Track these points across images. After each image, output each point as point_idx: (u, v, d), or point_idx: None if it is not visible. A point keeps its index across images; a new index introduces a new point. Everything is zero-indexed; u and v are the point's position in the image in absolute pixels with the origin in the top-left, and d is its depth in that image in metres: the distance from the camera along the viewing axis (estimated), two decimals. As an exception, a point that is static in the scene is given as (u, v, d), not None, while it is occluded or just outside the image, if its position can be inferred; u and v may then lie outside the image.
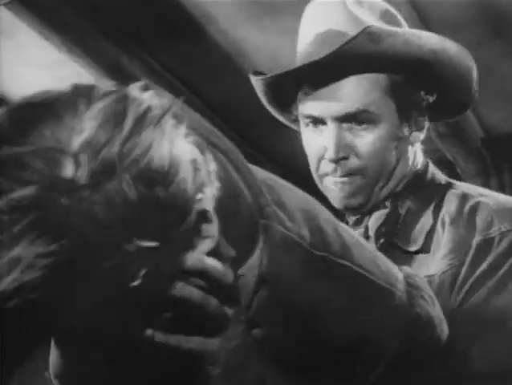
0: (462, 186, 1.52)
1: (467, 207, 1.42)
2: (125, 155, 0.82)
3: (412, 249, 1.43)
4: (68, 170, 0.81)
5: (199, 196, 0.87)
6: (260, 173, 1.04)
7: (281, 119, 1.62)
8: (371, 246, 1.12)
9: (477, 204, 1.42)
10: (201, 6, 3.29)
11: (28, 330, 0.84)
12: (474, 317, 1.32)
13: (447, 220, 1.42)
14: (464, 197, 1.45)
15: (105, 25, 3.32)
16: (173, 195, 0.83)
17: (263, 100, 1.58)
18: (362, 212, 1.50)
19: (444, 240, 1.40)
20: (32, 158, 0.81)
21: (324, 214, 1.09)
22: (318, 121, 1.47)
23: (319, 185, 1.52)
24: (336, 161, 1.45)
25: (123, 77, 3.47)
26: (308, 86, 1.46)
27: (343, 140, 1.44)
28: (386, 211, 1.48)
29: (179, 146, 0.86)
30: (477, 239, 1.38)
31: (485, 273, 1.35)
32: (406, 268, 1.20)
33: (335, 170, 1.46)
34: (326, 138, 1.46)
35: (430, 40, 1.45)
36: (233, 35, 3.49)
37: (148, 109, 0.86)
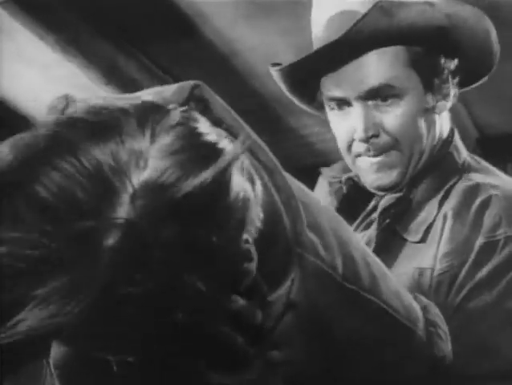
0: (477, 173, 1.48)
1: (477, 202, 1.39)
2: (189, 199, 0.76)
3: (411, 239, 1.41)
4: (123, 210, 0.75)
5: (245, 236, 0.83)
6: (294, 187, 1.00)
7: (306, 108, 1.61)
8: (394, 277, 1.12)
9: (489, 198, 1.38)
10: (196, 6, 3.29)
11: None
12: (473, 323, 1.30)
13: (449, 215, 1.39)
14: (476, 189, 1.41)
15: (100, 24, 3.32)
16: (225, 238, 0.80)
17: (286, 91, 1.57)
18: (394, 191, 1.48)
19: (446, 237, 1.37)
20: (84, 177, 0.74)
21: (353, 238, 1.08)
22: (342, 102, 1.46)
23: (351, 166, 1.51)
24: (366, 140, 1.44)
25: (118, 76, 3.47)
26: (328, 69, 1.45)
27: (370, 118, 1.43)
28: (399, 195, 1.47)
29: (235, 183, 0.81)
30: (480, 241, 1.35)
31: (485, 280, 1.32)
32: (422, 298, 1.18)
33: (368, 149, 1.45)
34: (353, 119, 1.44)
35: (442, 6, 1.43)
36: (229, 35, 3.49)
37: (220, 153, 0.80)
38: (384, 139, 1.44)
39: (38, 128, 0.80)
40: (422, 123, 1.46)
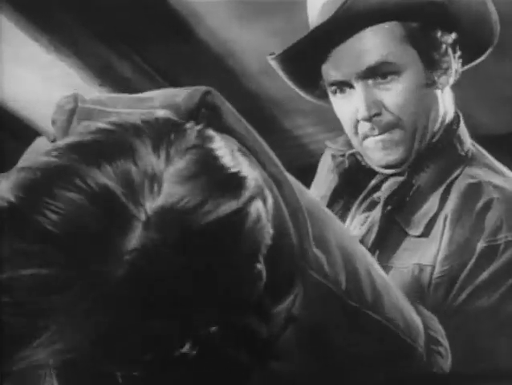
0: (480, 169, 1.47)
1: (479, 205, 1.38)
2: (206, 225, 0.74)
3: (412, 232, 1.41)
4: (135, 237, 0.72)
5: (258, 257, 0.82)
6: (301, 195, 0.99)
7: (309, 97, 1.61)
8: (397, 290, 1.12)
9: (491, 201, 1.38)
10: (191, 6, 3.28)
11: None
12: (471, 327, 1.30)
13: (450, 217, 1.39)
14: (478, 190, 1.41)
15: (94, 25, 3.31)
16: (239, 263, 0.78)
17: (287, 80, 1.57)
18: (402, 169, 1.48)
19: (447, 239, 1.37)
20: (92, 203, 0.72)
21: (358, 249, 1.07)
22: (344, 85, 1.46)
23: (359, 148, 1.51)
24: (370, 119, 1.44)
25: (112, 77, 3.46)
26: (324, 51, 1.46)
27: (372, 97, 1.44)
28: (401, 179, 1.47)
29: (251, 207, 0.80)
30: (481, 244, 1.35)
31: (485, 284, 1.32)
32: (423, 310, 1.18)
33: (373, 128, 1.45)
34: (355, 100, 1.45)
35: None
36: (223, 36, 3.48)
37: (240, 178, 0.79)
38: (386, 117, 1.45)
39: (45, 155, 0.77)
40: (424, 99, 1.46)
